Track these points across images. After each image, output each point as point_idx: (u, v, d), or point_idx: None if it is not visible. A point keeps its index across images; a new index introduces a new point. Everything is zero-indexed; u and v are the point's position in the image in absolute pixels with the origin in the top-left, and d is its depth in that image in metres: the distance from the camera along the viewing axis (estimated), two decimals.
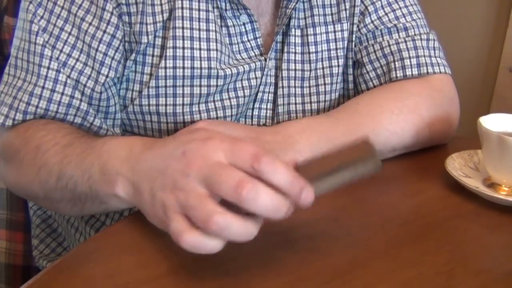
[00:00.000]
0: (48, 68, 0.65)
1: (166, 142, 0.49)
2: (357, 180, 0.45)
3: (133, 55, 0.67)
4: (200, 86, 0.69)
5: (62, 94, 0.65)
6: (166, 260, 0.49)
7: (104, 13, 0.65)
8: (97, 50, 0.65)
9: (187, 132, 0.49)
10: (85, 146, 0.57)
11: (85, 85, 0.66)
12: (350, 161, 0.45)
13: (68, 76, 0.65)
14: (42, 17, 0.66)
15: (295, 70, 0.76)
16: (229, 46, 0.71)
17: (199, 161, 0.44)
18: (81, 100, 0.66)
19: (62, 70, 0.65)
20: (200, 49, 0.68)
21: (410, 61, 0.75)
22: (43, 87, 0.65)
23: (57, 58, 0.65)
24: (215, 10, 0.69)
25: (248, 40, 0.73)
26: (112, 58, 0.66)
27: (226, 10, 0.70)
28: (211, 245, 0.43)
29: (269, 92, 0.75)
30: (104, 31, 0.65)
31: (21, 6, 0.68)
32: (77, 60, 0.65)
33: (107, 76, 0.66)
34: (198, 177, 0.44)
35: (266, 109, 0.75)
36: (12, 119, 0.65)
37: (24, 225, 0.89)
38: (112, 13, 0.65)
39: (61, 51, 0.65)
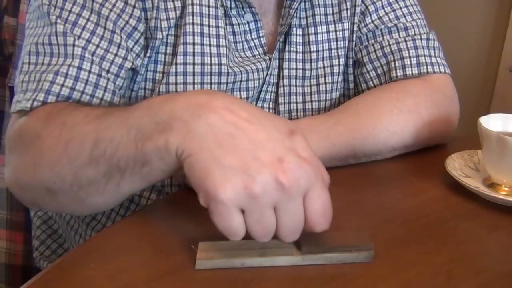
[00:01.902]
0: (74, 45, 0.61)
1: (252, 114, 0.45)
2: (349, 263, 0.49)
3: (149, 51, 0.67)
4: (211, 83, 0.69)
5: (90, 72, 0.62)
6: (166, 260, 0.49)
7: (126, 6, 0.65)
8: (120, 36, 0.64)
9: (283, 133, 0.45)
10: (128, 108, 0.51)
11: (108, 71, 0.63)
12: (347, 245, 0.50)
13: (93, 55, 0.62)
14: (55, 6, 0.63)
15: (296, 69, 0.76)
16: (233, 44, 0.71)
17: (287, 178, 0.43)
18: (108, 80, 0.63)
19: (87, 47, 0.62)
20: (210, 45, 0.68)
21: (410, 61, 0.75)
22: (69, 65, 0.61)
23: (79, 37, 0.62)
24: (221, 8, 0.70)
25: (252, 39, 0.73)
26: (131, 50, 0.65)
27: (231, 8, 0.70)
28: (237, 221, 0.43)
29: (271, 92, 0.75)
30: (127, 22, 0.65)
31: None
32: (98, 46, 0.63)
33: (132, 63, 0.65)
34: (275, 189, 0.43)
35: (268, 108, 0.76)
36: (32, 100, 0.59)
37: (24, 225, 0.89)
38: (134, 7, 0.65)
39: (79, 36, 0.62)
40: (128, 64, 0.65)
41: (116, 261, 0.49)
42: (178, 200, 0.61)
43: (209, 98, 0.46)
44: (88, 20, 0.63)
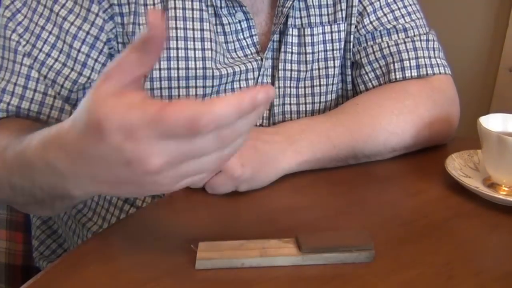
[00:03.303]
0: (21, 64, 0.64)
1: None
2: (349, 262, 0.49)
3: None
4: (196, 87, 0.68)
5: (35, 91, 0.64)
6: (166, 260, 0.49)
7: (89, 14, 0.64)
8: (79, 51, 0.64)
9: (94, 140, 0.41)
10: (13, 154, 0.51)
11: (62, 86, 0.65)
12: (347, 245, 0.50)
13: (45, 76, 0.64)
14: (25, 16, 0.65)
15: (291, 70, 0.75)
16: (224, 44, 0.71)
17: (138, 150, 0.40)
18: (55, 98, 0.64)
19: (36, 67, 0.64)
20: (194, 49, 0.68)
21: (410, 63, 0.75)
22: (15, 84, 0.64)
23: (36, 57, 0.64)
24: (210, 8, 0.69)
25: (244, 38, 0.73)
26: (96, 60, 0.65)
27: (221, 7, 0.70)
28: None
29: None
30: (88, 32, 0.65)
31: (1, 2, 0.67)
32: (56, 60, 0.64)
33: (89, 78, 0.65)
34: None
35: None
36: None
37: (24, 225, 0.89)
38: (97, 15, 0.65)
39: (40, 50, 0.64)
40: (82, 80, 0.65)
41: (116, 261, 0.49)
42: (178, 200, 0.61)
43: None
44: (50, 33, 0.64)
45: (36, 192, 0.51)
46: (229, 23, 0.71)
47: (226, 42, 0.71)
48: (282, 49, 0.74)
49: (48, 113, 0.65)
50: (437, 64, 0.76)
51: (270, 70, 0.75)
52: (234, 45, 0.72)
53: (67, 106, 0.65)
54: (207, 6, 0.69)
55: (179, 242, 0.51)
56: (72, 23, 0.64)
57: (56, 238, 0.83)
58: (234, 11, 0.71)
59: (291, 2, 0.72)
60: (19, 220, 0.90)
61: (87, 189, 0.46)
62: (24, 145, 0.50)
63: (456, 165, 0.66)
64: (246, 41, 0.73)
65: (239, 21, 0.72)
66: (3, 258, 0.90)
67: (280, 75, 0.75)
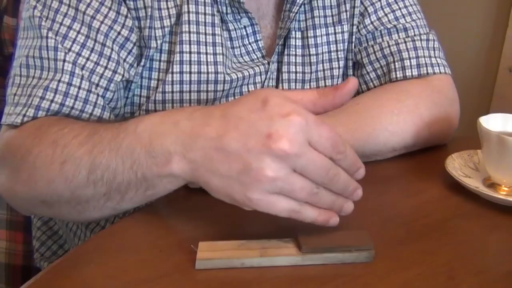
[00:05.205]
0: (64, 60, 0.61)
1: (224, 116, 0.47)
2: (349, 262, 0.50)
3: (143, 60, 0.66)
4: (207, 91, 0.68)
5: (79, 88, 0.62)
6: (166, 260, 0.49)
7: (118, 16, 0.64)
8: (112, 49, 0.64)
9: (256, 110, 0.46)
10: (115, 131, 0.52)
11: (97, 84, 0.63)
12: (347, 245, 0.50)
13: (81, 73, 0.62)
14: (47, 18, 0.63)
15: (296, 72, 0.75)
16: (231, 50, 0.71)
17: (283, 145, 0.44)
18: (98, 95, 0.63)
19: (77, 61, 0.62)
20: (206, 53, 0.68)
21: (410, 62, 0.75)
22: (59, 81, 0.61)
23: (69, 50, 0.62)
24: (217, 14, 0.69)
25: (250, 43, 0.73)
26: (124, 60, 0.65)
27: (227, 13, 0.70)
28: (281, 203, 0.46)
29: None
30: (119, 33, 0.64)
31: (25, 5, 0.66)
32: (88, 59, 0.63)
33: (123, 76, 0.64)
34: (283, 161, 0.45)
35: None
36: (23, 115, 0.60)
37: (24, 225, 0.89)
38: (126, 16, 0.64)
39: (69, 49, 0.62)
40: (117, 77, 0.64)
41: (116, 261, 0.49)
42: (178, 200, 0.61)
43: (187, 125, 0.48)
44: (78, 32, 0.63)
45: (117, 173, 0.51)
46: (235, 29, 0.71)
47: (233, 48, 0.72)
48: (286, 52, 0.74)
49: (91, 111, 0.63)
50: (437, 63, 0.76)
51: (275, 73, 0.75)
52: (240, 50, 0.72)
53: (108, 104, 0.64)
54: (217, 11, 0.69)
55: (179, 242, 0.51)
56: (102, 22, 0.63)
57: (57, 239, 0.83)
58: (239, 17, 0.71)
59: (298, 7, 0.72)
60: (19, 220, 0.90)
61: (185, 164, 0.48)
62: (139, 117, 0.52)
63: (456, 165, 0.66)
64: (252, 46, 0.73)
65: (245, 27, 0.72)
66: (3, 258, 0.90)
67: (284, 78, 0.75)
